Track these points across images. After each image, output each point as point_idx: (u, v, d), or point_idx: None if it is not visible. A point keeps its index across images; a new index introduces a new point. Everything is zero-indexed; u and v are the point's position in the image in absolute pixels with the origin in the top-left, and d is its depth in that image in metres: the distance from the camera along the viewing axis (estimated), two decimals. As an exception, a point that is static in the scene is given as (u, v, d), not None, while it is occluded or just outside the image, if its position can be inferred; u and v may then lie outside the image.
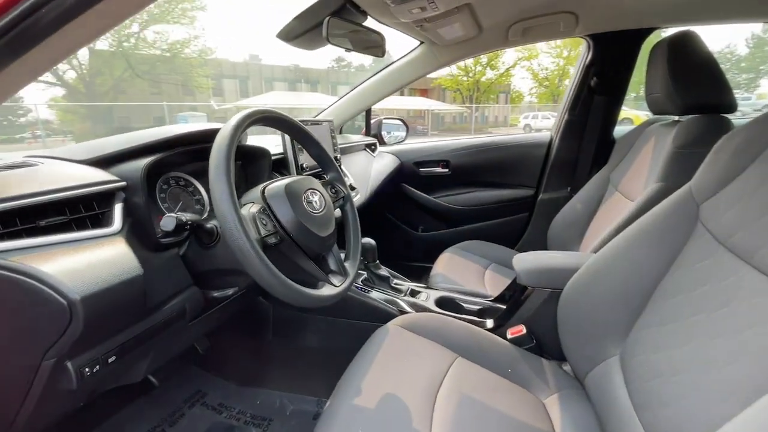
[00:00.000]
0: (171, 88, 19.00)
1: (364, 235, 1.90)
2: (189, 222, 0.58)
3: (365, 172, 1.50)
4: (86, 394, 0.60)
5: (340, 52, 1.56)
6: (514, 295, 0.99)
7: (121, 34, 16.48)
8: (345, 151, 1.53)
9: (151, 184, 0.76)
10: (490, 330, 0.99)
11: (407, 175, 1.86)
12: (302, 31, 0.96)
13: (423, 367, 0.81)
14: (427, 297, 1.15)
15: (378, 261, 1.18)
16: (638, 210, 1.02)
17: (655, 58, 1.09)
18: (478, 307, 1.12)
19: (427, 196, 1.84)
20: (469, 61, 22.61)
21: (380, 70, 1.62)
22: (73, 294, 0.45)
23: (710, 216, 0.63)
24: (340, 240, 0.88)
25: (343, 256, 0.83)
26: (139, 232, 0.63)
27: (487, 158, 1.76)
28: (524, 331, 0.93)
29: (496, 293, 1.27)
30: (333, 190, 0.87)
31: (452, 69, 22.68)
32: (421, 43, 1.45)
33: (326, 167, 0.88)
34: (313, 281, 0.70)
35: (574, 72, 1.55)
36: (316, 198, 0.73)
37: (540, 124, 17.22)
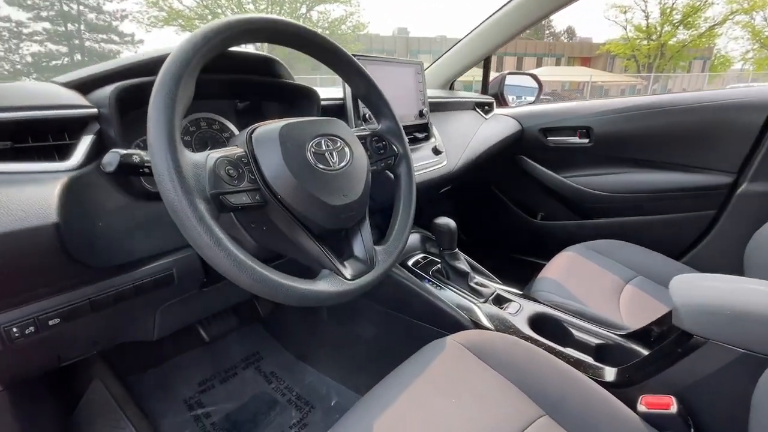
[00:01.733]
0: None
1: (457, 210, 1.58)
2: (147, 162, 0.42)
3: (465, 135, 1.19)
4: (56, 353, 0.53)
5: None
6: (667, 342, 0.59)
7: (292, 16, 18.69)
8: (446, 107, 1.23)
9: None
10: (608, 385, 0.62)
11: (529, 144, 1.45)
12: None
13: (484, 413, 0.54)
14: (519, 309, 0.82)
15: (457, 249, 0.89)
16: None
17: None
18: (597, 341, 0.74)
19: (553, 174, 1.41)
20: (654, 19, 18.30)
21: (500, 9, 1.24)
22: None
23: None
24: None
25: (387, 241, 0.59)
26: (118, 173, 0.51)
27: (656, 126, 1.22)
28: (674, 407, 0.54)
29: (635, 324, 0.86)
30: (379, 144, 0.62)
31: (628, 31, 18.74)
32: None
33: (376, 110, 0.64)
34: (316, 268, 0.49)
35: None
36: (334, 148, 0.51)
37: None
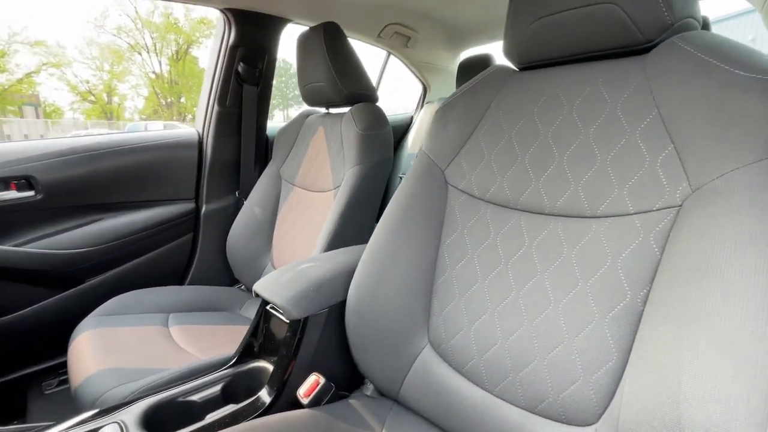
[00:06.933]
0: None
1: None
2: None
3: None
4: None
5: None
6: (284, 337, 0.68)
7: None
8: None
9: None
10: (268, 408, 0.63)
11: None
12: None
13: None
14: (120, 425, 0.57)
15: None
16: (350, 196, 0.99)
17: (311, 45, 1.07)
18: (215, 389, 0.69)
19: (5, 248, 0.98)
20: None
21: None
22: None
23: (456, 177, 0.66)
24: None
25: None
26: None
27: (112, 167, 1.16)
28: (322, 379, 0.66)
29: (215, 353, 0.89)
30: None
31: None
32: None
33: None
34: None
35: (211, 52, 1.28)
36: None
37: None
